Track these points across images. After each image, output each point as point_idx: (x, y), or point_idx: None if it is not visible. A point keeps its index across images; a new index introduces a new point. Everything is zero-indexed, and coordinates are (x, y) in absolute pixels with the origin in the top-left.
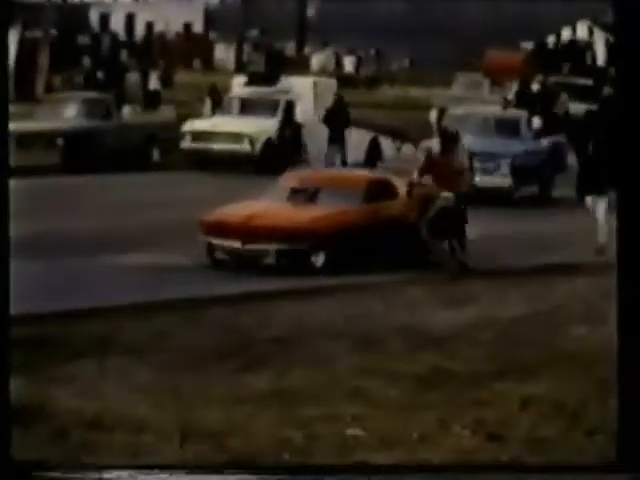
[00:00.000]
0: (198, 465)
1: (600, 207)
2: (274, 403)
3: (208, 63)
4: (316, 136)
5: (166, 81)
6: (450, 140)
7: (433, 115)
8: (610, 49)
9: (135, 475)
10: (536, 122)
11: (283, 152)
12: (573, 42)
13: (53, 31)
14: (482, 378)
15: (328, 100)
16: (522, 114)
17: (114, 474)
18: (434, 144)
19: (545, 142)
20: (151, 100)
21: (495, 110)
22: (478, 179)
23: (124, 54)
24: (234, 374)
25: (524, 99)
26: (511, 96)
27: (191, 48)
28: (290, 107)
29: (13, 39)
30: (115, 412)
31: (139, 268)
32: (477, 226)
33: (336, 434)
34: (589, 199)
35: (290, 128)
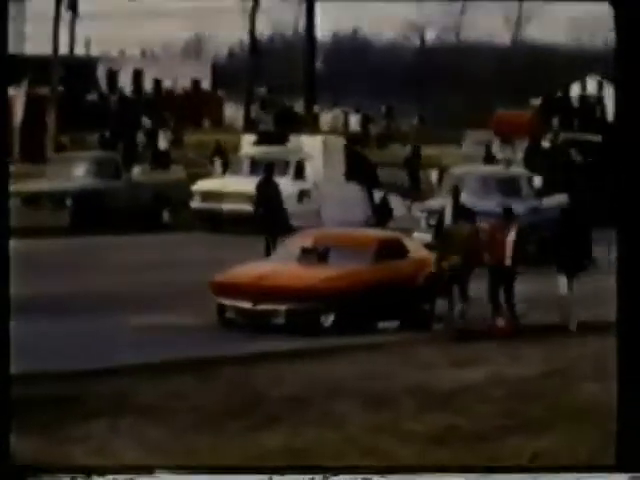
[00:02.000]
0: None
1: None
2: (287, 461)
3: (217, 121)
4: (327, 195)
5: (176, 140)
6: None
7: (434, 175)
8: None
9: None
10: (537, 181)
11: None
12: (583, 97)
13: (60, 88)
14: (492, 434)
15: (337, 159)
16: (523, 172)
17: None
18: (436, 204)
19: (549, 201)
20: (161, 159)
21: (496, 169)
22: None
23: (133, 112)
24: (247, 433)
25: (534, 157)
26: (520, 154)
27: (200, 105)
28: (301, 167)
29: (20, 96)
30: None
31: (151, 328)
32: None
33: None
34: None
35: (271, 188)
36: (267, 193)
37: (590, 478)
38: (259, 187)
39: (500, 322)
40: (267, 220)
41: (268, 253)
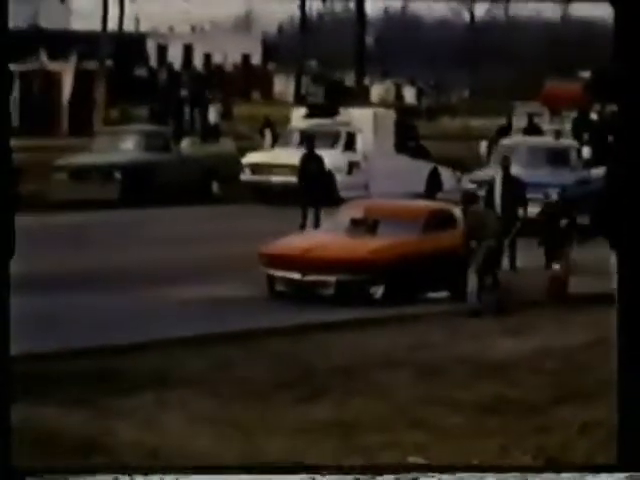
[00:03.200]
0: (199, 466)
1: None
2: (336, 433)
3: (267, 95)
4: (377, 167)
5: (225, 113)
6: None
7: (483, 146)
8: None
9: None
10: (586, 152)
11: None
12: None
13: (109, 63)
14: (542, 405)
15: (387, 131)
16: (572, 144)
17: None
18: (486, 175)
19: (597, 172)
20: (211, 133)
21: (545, 140)
22: (528, 209)
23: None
24: (295, 404)
25: (582, 128)
26: (568, 126)
27: (250, 80)
28: (351, 139)
29: (69, 71)
30: (175, 444)
31: (200, 300)
32: (529, 256)
33: (398, 462)
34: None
35: (314, 161)
36: (310, 166)
37: (590, 478)
38: (303, 160)
39: (555, 267)
40: (310, 192)
41: (303, 225)
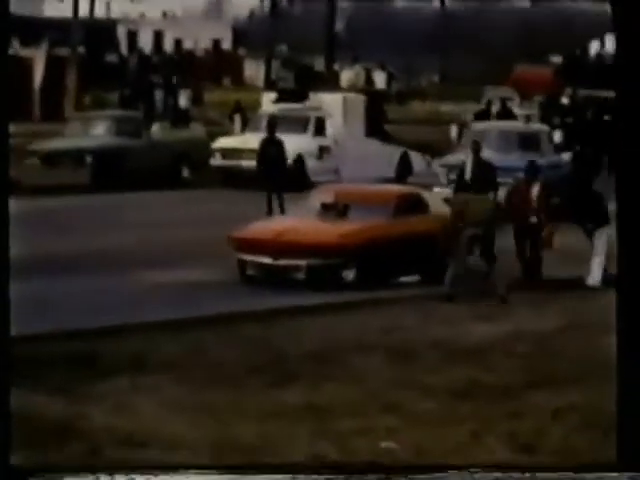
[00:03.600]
0: (198, 465)
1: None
2: (308, 417)
3: (238, 80)
4: (347, 152)
5: (196, 99)
6: None
7: (454, 130)
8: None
9: (133, 478)
10: (557, 136)
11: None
12: (601, 55)
13: (80, 49)
14: (515, 390)
15: (357, 116)
16: (543, 128)
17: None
18: (457, 159)
19: (567, 156)
20: (181, 118)
21: (516, 125)
22: (499, 193)
23: (153, 71)
24: (267, 389)
25: (550, 112)
26: (534, 110)
27: (220, 65)
28: (321, 123)
29: (40, 57)
30: (148, 429)
31: (170, 285)
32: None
33: (370, 447)
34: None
35: (274, 145)
36: (270, 150)
37: (590, 478)
38: (262, 144)
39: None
40: (270, 177)
41: (270, 211)
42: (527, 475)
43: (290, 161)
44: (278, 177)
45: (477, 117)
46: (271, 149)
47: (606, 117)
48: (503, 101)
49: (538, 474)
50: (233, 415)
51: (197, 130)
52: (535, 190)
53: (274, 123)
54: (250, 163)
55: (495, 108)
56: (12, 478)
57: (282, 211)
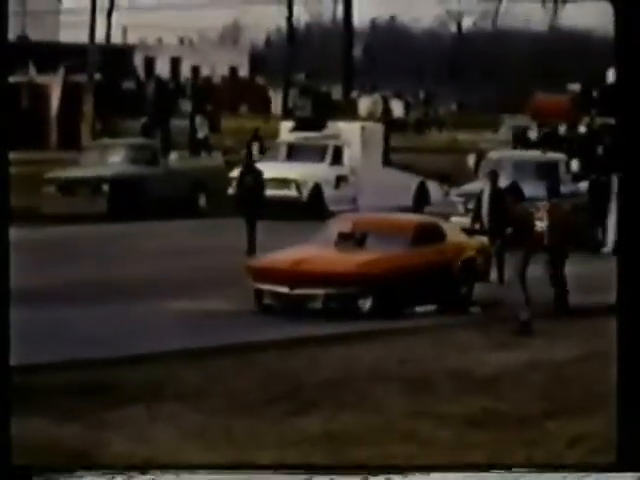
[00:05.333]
0: (197, 465)
1: None
2: (325, 446)
3: (255, 107)
4: (365, 181)
5: (213, 126)
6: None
7: (471, 159)
8: None
9: (133, 477)
10: (574, 165)
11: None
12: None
13: (97, 75)
14: (531, 418)
15: (375, 145)
16: (560, 157)
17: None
18: (474, 188)
19: (584, 185)
20: (201, 146)
21: (533, 154)
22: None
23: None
24: (285, 418)
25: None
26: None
27: (238, 92)
28: (339, 152)
29: (57, 84)
30: (167, 457)
31: (189, 314)
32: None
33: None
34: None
35: (251, 174)
36: (246, 179)
37: (590, 478)
38: (240, 174)
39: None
40: (245, 206)
41: (251, 238)
42: (528, 475)
43: (308, 190)
44: (252, 207)
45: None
46: (247, 178)
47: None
48: (523, 129)
49: (539, 474)
50: (251, 444)
51: (214, 158)
52: (562, 213)
53: (251, 152)
54: (268, 192)
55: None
56: (14, 478)
57: (251, 243)
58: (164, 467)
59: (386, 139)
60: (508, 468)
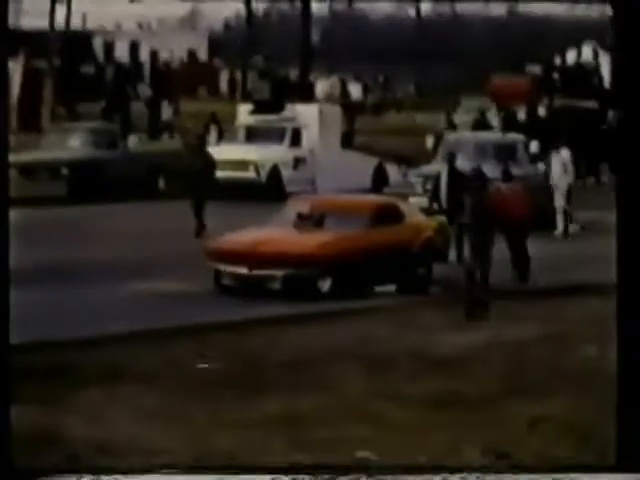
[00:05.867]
0: (194, 466)
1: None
2: (284, 428)
3: (214, 91)
4: (323, 162)
5: (174, 110)
6: None
7: (430, 141)
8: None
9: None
10: (534, 146)
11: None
12: (579, 65)
13: (57, 60)
14: (491, 399)
15: (333, 127)
16: (519, 138)
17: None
18: (432, 169)
19: (544, 166)
20: (163, 130)
21: (491, 135)
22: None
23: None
24: (244, 399)
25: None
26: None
27: (196, 76)
28: (297, 134)
29: (17, 69)
30: (126, 439)
31: (146, 296)
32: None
33: (346, 457)
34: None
35: (200, 157)
36: (196, 162)
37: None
38: (192, 155)
39: None
40: (193, 188)
41: (198, 216)
42: (528, 476)
43: (266, 172)
44: (200, 188)
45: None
46: (197, 160)
47: (582, 126)
48: (481, 111)
49: (539, 475)
50: (209, 425)
51: (174, 142)
52: (519, 194)
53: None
54: (226, 174)
55: (470, 118)
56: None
57: (199, 223)
58: (164, 467)
59: (350, 122)
60: (506, 469)
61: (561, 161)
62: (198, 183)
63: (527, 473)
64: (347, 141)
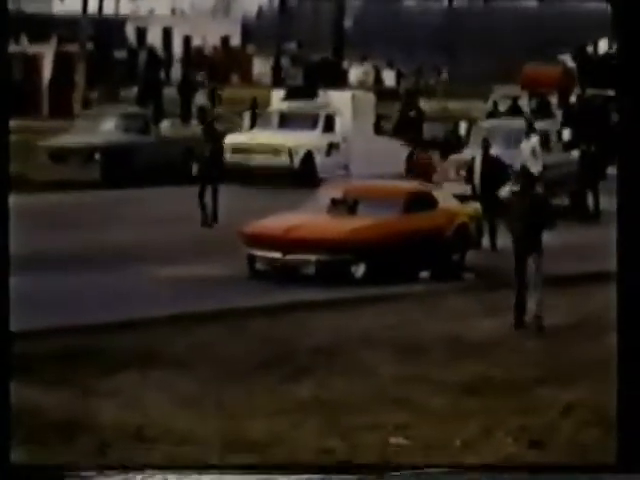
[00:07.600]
0: (202, 465)
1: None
2: (317, 413)
3: (246, 77)
4: (356, 148)
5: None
6: None
7: (463, 128)
8: None
9: (134, 476)
10: (566, 134)
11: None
12: (610, 54)
13: (89, 45)
14: (524, 385)
15: (366, 113)
16: (552, 126)
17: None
18: (465, 155)
19: (576, 154)
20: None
21: (524, 122)
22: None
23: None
24: (277, 384)
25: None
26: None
27: (229, 62)
28: (330, 121)
29: (49, 54)
30: (158, 424)
31: (181, 280)
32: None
33: (379, 443)
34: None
35: (211, 142)
36: (207, 147)
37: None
38: (203, 141)
39: None
40: (202, 174)
41: (202, 199)
42: (528, 476)
43: (300, 158)
44: (209, 174)
45: (488, 117)
46: (208, 145)
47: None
48: (514, 99)
49: (539, 475)
50: (243, 410)
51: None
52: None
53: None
54: (259, 159)
55: (504, 106)
56: (13, 476)
57: (203, 210)
58: (164, 467)
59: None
60: (504, 469)
61: (531, 147)
62: (206, 169)
63: (527, 473)
64: (382, 129)
